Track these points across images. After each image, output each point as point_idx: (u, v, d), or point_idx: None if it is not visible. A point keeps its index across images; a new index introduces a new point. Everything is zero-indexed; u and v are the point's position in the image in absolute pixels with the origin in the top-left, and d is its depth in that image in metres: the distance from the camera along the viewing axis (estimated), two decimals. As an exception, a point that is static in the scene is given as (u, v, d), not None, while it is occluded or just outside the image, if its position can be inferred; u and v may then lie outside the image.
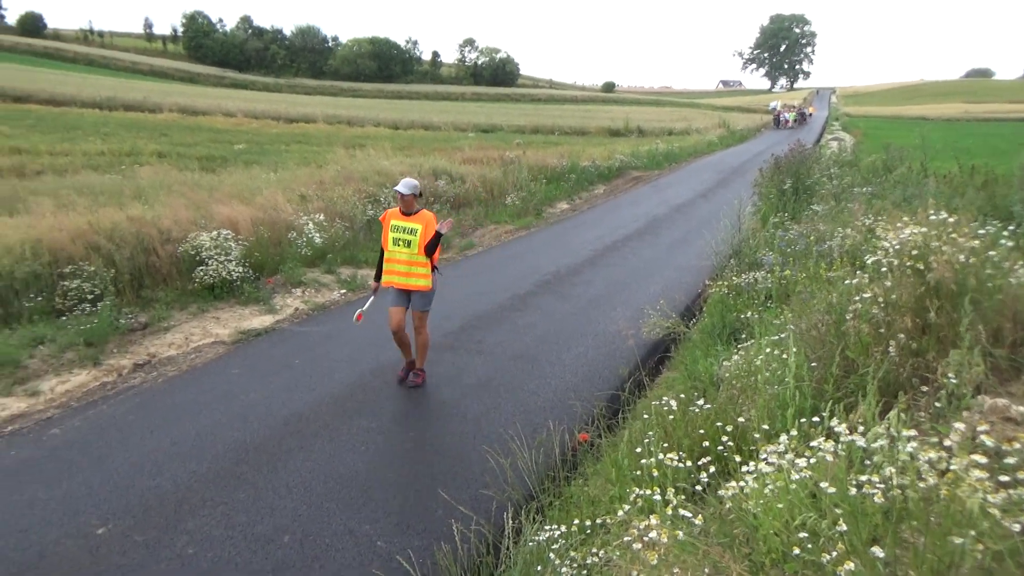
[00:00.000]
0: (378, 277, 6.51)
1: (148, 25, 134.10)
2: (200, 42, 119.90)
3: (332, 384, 6.48)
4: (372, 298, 6.53)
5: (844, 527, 2.41)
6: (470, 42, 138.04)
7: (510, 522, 3.46)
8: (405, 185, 6.21)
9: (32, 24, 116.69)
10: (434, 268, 6.37)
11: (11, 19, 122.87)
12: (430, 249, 6.21)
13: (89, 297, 8.08)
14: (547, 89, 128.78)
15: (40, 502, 4.49)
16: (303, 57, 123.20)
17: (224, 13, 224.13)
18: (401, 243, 6.20)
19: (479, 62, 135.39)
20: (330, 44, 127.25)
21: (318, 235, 11.13)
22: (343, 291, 9.87)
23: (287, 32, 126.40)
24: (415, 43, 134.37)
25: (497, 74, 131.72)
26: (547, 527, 3.44)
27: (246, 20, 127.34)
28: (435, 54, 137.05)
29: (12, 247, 8.09)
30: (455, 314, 8.64)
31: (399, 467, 4.97)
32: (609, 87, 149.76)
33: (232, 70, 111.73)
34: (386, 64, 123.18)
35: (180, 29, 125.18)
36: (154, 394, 6.30)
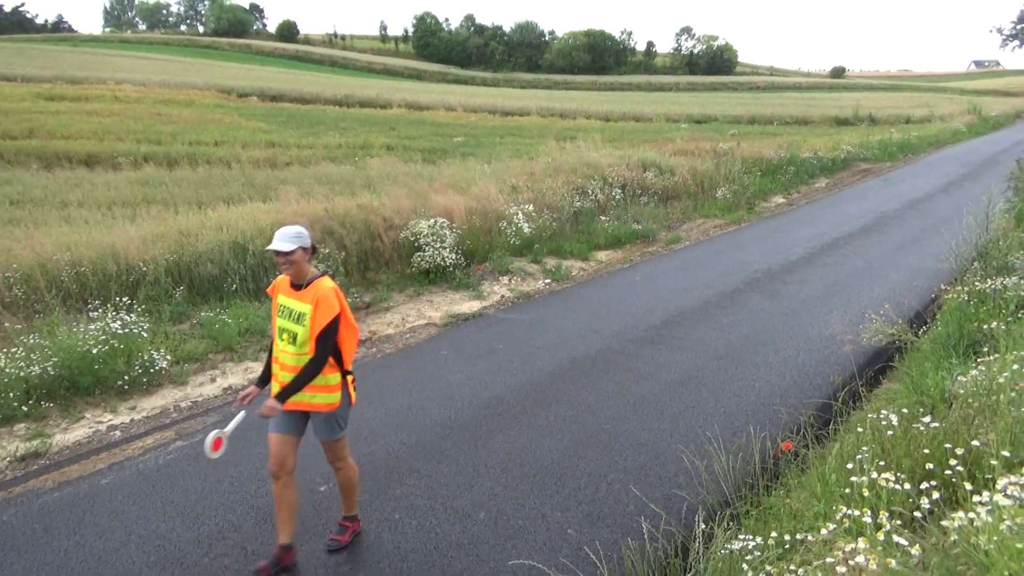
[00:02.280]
0: (262, 380, 4.15)
1: (383, 27, 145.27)
2: (427, 41, 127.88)
3: (532, 371, 6.66)
4: (242, 413, 3.95)
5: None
6: (687, 30, 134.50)
7: (701, 525, 3.35)
8: (283, 237, 3.79)
9: (288, 30, 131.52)
10: (346, 374, 4.05)
11: (271, 27, 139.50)
12: (324, 344, 3.80)
13: (323, 277, 8.95)
14: (767, 76, 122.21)
15: (276, 457, 5.06)
16: (520, 52, 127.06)
17: (451, 13, 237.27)
18: (286, 335, 3.88)
19: (695, 50, 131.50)
20: (546, 38, 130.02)
21: (526, 225, 11.46)
22: (548, 280, 10.09)
23: (506, 28, 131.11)
24: (629, 34, 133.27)
25: (714, 62, 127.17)
26: (741, 536, 3.29)
27: (469, 19, 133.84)
28: (649, 44, 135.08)
29: (264, 229, 9.17)
30: (658, 308, 8.51)
31: (593, 458, 5.00)
32: (838, 72, 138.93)
33: (455, 67, 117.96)
34: (600, 56, 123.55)
35: (410, 30, 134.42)
36: (373, 368, 6.86)
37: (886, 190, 18.29)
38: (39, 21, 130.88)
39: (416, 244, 9.85)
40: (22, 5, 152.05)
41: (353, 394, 4.14)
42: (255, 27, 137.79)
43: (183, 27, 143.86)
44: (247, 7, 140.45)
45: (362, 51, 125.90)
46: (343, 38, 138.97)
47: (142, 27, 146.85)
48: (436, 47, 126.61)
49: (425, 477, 4.76)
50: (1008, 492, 2.56)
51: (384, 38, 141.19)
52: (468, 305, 8.95)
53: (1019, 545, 2.36)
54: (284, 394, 3.74)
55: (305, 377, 3.76)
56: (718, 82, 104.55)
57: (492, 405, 5.90)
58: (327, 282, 3.89)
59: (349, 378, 4.07)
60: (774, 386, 6.23)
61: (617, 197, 14.53)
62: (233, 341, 7.28)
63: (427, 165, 19.11)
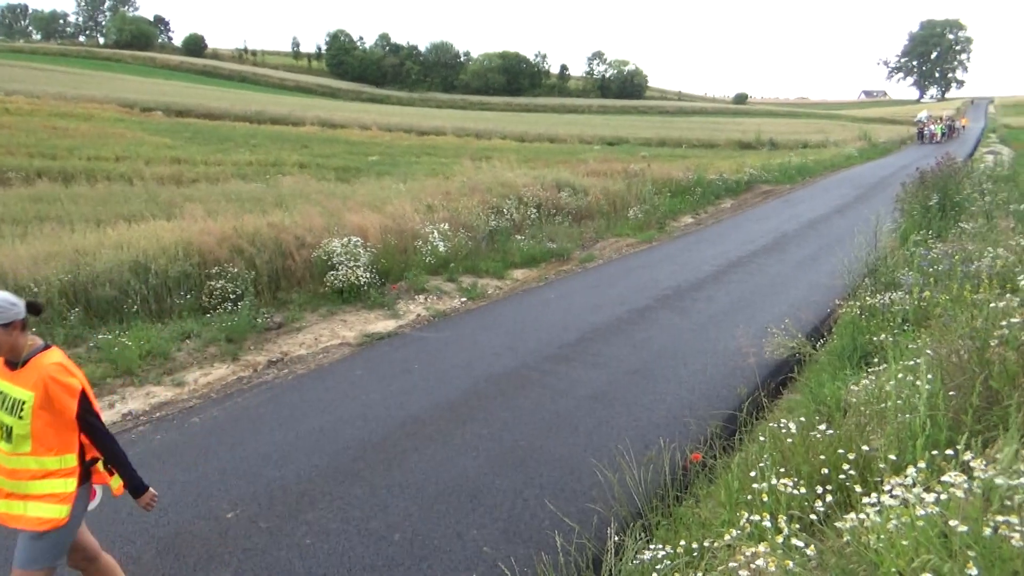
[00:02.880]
0: None
1: (296, 44, 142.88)
2: (341, 59, 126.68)
3: (448, 389, 6.64)
4: None
5: (975, 571, 2.22)
6: (598, 55, 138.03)
7: (614, 537, 3.41)
8: None
9: (195, 45, 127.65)
10: (87, 475, 3.11)
11: (177, 40, 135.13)
12: (91, 430, 3.03)
13: (231, 297, 8.69)
14: (676, 101, 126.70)
15: (179, 483, 4.86)
16: (436, 72, 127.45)
17: (365, 31, 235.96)
18: None
19: (607, 75, 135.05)
20: (462, 59, 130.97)
21: (442, 244, 11.45)
22: (464, 299, 10.10)
23: (422, 48, 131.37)
24: (544, 57, 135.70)
25: (625, 87, 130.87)
26: (652, 546, 3.37)
27: (384, 37, 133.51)
28: (563, 67, 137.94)
29: (167, 248, 8.84)
30: (572, 325, 8.64)
31: (509, 475, 5.01)
32: (741, 98, 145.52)
33: (369, 85, 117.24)
34: (515, 78, 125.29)
35: (324, 47, 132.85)
36: (284, 390, 6.68)
37: (786, 211, 19.20)
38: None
39: (329, 263, 9.68)
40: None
41: (113, 485, 3.19)
42: (160, 40, 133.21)
43: (82, 38, 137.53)
44: (151, 19, 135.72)
45: (274, 67, 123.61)
46: (254, 54, 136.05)
47: (37, 37, 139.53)
48: (350, 65, 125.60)
49: (338, 500, 4.66)
50: (894, 493, 2.72)
51: (297, 55, 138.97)
52: (383, 324, 8.85)
53: (904, 542, 2.51)
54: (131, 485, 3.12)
55: (117, 454, 3.08)
56: (629, 105, 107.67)
57: (407, 424, 5.84)
58: (54, 355, 3.00)
59: (103, 470, 3.15)
60: (684, 399, 6.41)
61: (532, 216, 14.71)
62: (133, 364, 6.96)
63: (341, 183, 18.88)
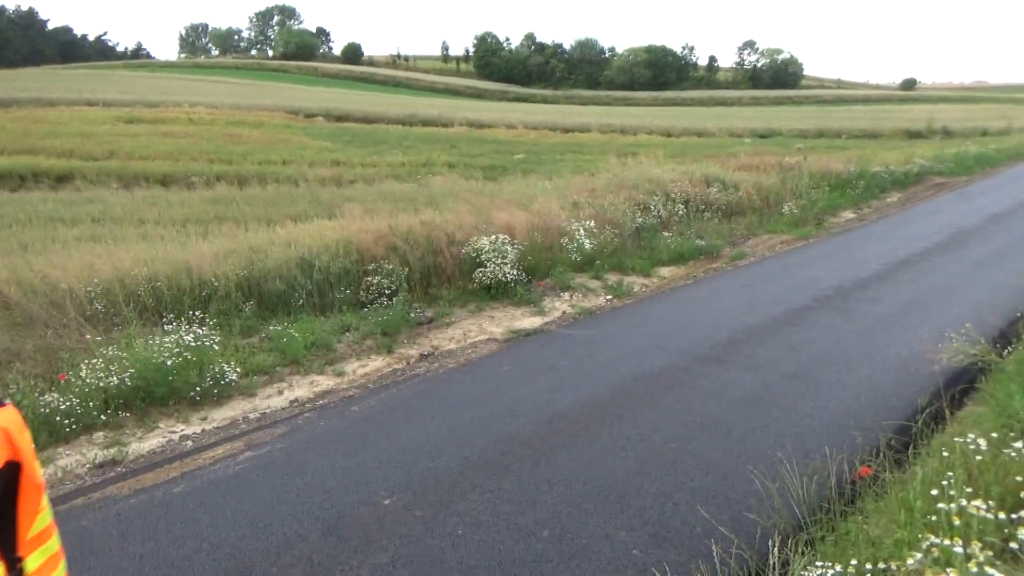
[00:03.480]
0: None
1: (445, 47, 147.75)
2: (488, 60, 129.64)
3: (595, 387, 6.58)
4: None
5: None
6: (750, 44, 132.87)
7: (776, 551, 3.22)
8: None
9: (352, 53, 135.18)
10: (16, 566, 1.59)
11: (337, 50, 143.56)
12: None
13: (387, 292, 9.07)
14: (834, 89, 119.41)
15: (340, 469, 5.12)
16: (580, 69, 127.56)
17: (511, 32, 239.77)
18: None
19: (759, 64, 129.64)
20: (607, 55, 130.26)
21: (588, 241, 11.39)
22: (609, 297, 9.99)
23: (567, 46, 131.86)
24: (691, 49, 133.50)
25: (778, 76, 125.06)
26: (819, 563, 3.15)
27: (530, 37, 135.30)
28: (711, 59, 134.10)
29: (329, 246, 9.36)
30: (723, 325, 8.33)
31: (658, 477, 4.89)
32: (909, 84, 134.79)
33: (515, 85, 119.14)
34: (661, 71, 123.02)
35: (472, 49, 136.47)
36: (436, 382, 6.89)
37: (963, 205, 17.57)
38: (120, 49, 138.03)
39: (477, 260, 9.89)
40: (104, 34, 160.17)
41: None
42: (321, 50, 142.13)
43: (253, 52, 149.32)
44: (314, 31, 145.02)
45: (424, 71, 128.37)
46: (406, 59, 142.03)
47: (215, 53, 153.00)
48: (497, 66, 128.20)
49: (488, 493, 4.73)
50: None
51: (446, 58, 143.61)
52: (529, 321, 8.93)
53: None
54: None
55: None
56: (783, 96, 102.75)
57: (554, 421, 5.84)
58: (8, 414, 1.62)
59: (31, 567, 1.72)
60: (849, 407, 5.99)
61: (680, 213, 14.33)
62: (299, 355, 7.42)
63: (488, 182, 19.26)
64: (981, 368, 6.25)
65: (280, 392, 6.79)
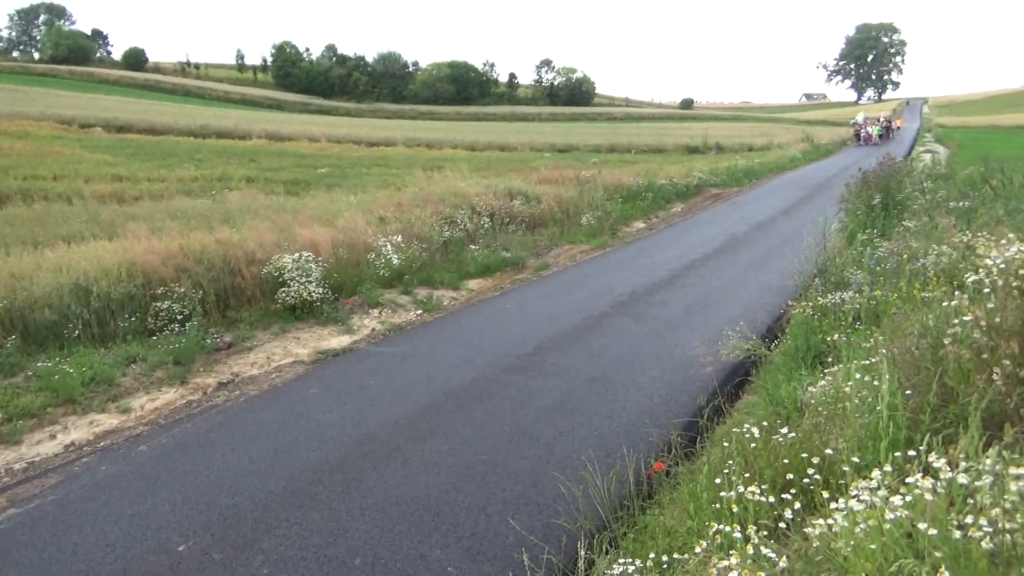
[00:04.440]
0: None
1: (240, 56, 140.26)
2: (287, 71, 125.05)
3: (406, 405, 6.51)
4: None
5: (947, 574, 2.21)
6: (547, 63, 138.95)
7: (583, 553, 3.34)
8: None
9: (135, 58, 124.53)
10: None
11: (117, 54, 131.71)
12: None
13: (178, 317, 8.41)
14: (624, 107, 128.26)
15: (126, 517, 4.64)
16: (384, 82, 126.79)
17: (311, 43, 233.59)
18: None
19: (555, 82, 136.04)
20: (410, 69, 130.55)
21: (396, 256, 11.29)
22: (419, 311, 9.96)
23: (369, 59, 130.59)
24: (492, 65, 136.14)
25: (574, 94, 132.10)
26: (621, 560, 3.31)
27: (331, 49, 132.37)
28: (512, 76, 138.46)
29: (110, 269, 8.51)
30: (529, 335, 8.58)
31: (470, 491, 4.91)
32: (687, 103, 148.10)
33: (317, 97, 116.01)
34: (464, 87, 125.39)
35: (269, 59, 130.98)
36: (236, 412, 6.47)
37: (735, 213, 19.52)
38: None
39: (280, 279, 9.45)
40: None
41: None
42: (98, 54, 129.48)
43: (15, 53, 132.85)
44: (88, 33, 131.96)
45: (218, 80, 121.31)
46: (197, 66, 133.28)
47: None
48: (297, 77, 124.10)
49: (295, 526, 4.50)
50: (861, 497, 2.71)
51: (241, 67, 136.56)
52: (337, 340, 8.67)
53: (872, 546, 2.50)
54: None
55: None
56: (578, 112, 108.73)
57: (365, 443, 5.70)
58: None
59: None
60: (644, 406, 6.40)
61: (486, 226, 14.65)
62: (75, 392, 6.65)
63: (291, 197, 18.56)
64: (754, 361, 6.94)
65: (52, 437, 6.04)
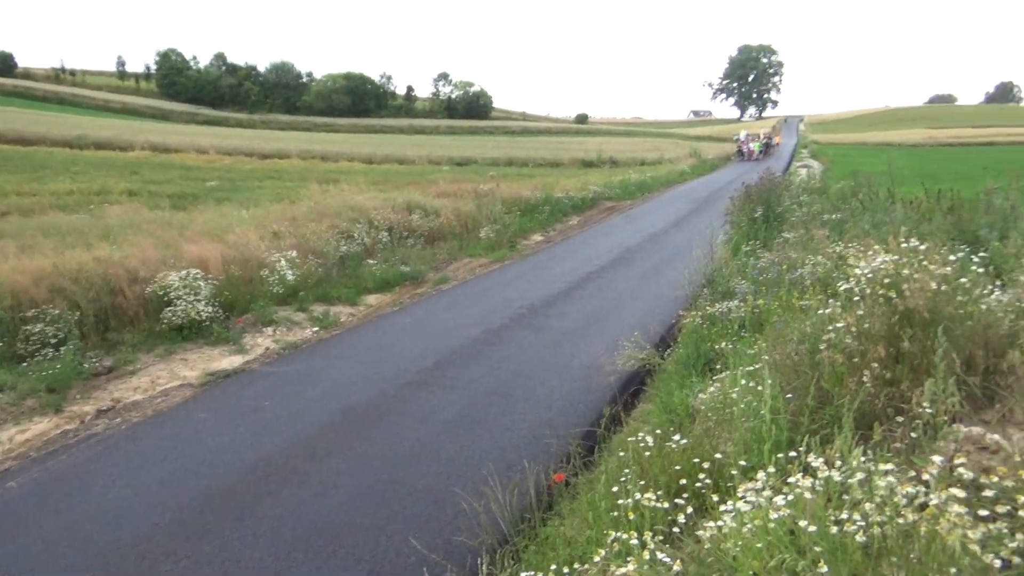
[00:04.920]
0: None
1: (121, 63, 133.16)
2: (173, 79, 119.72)
3: (303, 426, 6.32)
4: None
5: (825, 568, 2.34)
6: (444, 76, 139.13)
7: (484, 568, 3.34)
8: None
9: (3, 63, 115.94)
10: None
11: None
12: None
13: (52, 341, 7.86)
14: (521, 121, 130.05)
15: (-8, 560, 4.29)
16: (277, 93, 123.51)
17: (198, 51, 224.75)
18: None
19: (453, 96, 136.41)
20: (304, 80, 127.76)
21: (291, 272, 10.99)
22: (315, 329, 9.72)
23: (261, 69, 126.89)
24: (389, 78, 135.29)
25: (471, 107, 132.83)
26: (523, 573, 3.33)
27: (220, 57, 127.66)
28: (409, 88, 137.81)
29: (-29, 292, 7.87)
30: (429, 350, 8.53)
31: (371, 511, 4.82)
32: (582, 118, 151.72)
33: (205, 107, 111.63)
34: (360, 99, 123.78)
35: (153, 67, 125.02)
36: (117, 441, 6.10)
37: (629, 226, 20.12)
38: None
39: (166, 298, 9.00)
40: None
41: None
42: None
43: None
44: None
45: (96, 88, 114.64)
46: (72, 73, 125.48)
47: None
48: (183, 86, 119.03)
49: (183, 559, 4.28)
50: (747, 498, 2.84)
51: (122, 74, 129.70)
52: (228, 361, 8.33)
53: (759, 545, 2.62)
54: None
55: None
56: (476, 126, 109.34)
57: (260, 467, 5.49)
58: None
59: None
60: (543, 417, 6.47)
61: (384, 240, 14.48)
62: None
63: (177, 212, 17.71)
64: (649, 370, 7.16)
65: (-95, 476, 5.51)
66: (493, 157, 48.45)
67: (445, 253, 15.19)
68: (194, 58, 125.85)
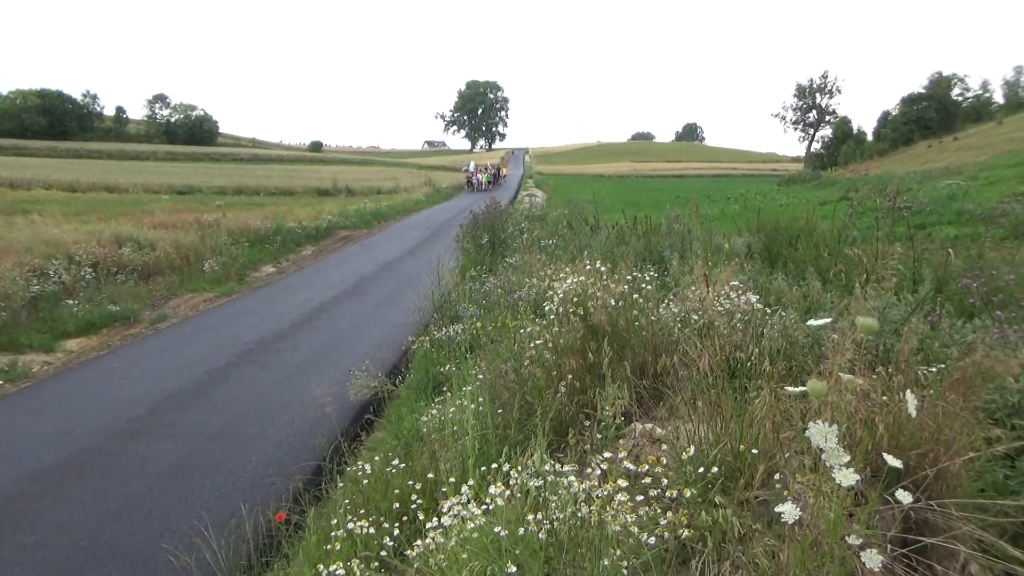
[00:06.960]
0: None
1: None
2: None
3: (-22, 498, 5.45)
4: None
5: (513, 568, 2.55)
6: (161, 98, 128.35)
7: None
8: None
9: None
10: None
11: None
12: None
13: None
14: (251, 148, 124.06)
15: None
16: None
17: None
18: None
19: (173, 119, 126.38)
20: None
21: (-37, 319, 9.43)
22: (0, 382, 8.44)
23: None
24: (95, 97, 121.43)
25: (194, 132, 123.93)
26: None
27: None
28: (120, 109, 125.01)
29: None
30: (142, 396, 7.81)
31: (65, 585, 4.29)
32: (317, 146, 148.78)
33: None
34: (59, 119, 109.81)
35: None
36: None
37: (364, 255, 20.11)
38: None
39: None
40: None
41: None
42: None
43: None
44: None
45: None
46: None
47: None
48: None
49: None
50: (453, 512, 3.00)
51: None
52: None
53: (464, 555, 2.78)
54: None
55: None
56: (200, 152, 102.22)
57: (-83, 554, 4.63)
58: None
59: None
60: (272, 457, 6.23)
61: (88, 277, 12.98)
62: None
63: None
64: (382, 397, 7.21)
65: None
66: (220, 185, 45.60)
67: (164, 289, 14.00)
68: None
